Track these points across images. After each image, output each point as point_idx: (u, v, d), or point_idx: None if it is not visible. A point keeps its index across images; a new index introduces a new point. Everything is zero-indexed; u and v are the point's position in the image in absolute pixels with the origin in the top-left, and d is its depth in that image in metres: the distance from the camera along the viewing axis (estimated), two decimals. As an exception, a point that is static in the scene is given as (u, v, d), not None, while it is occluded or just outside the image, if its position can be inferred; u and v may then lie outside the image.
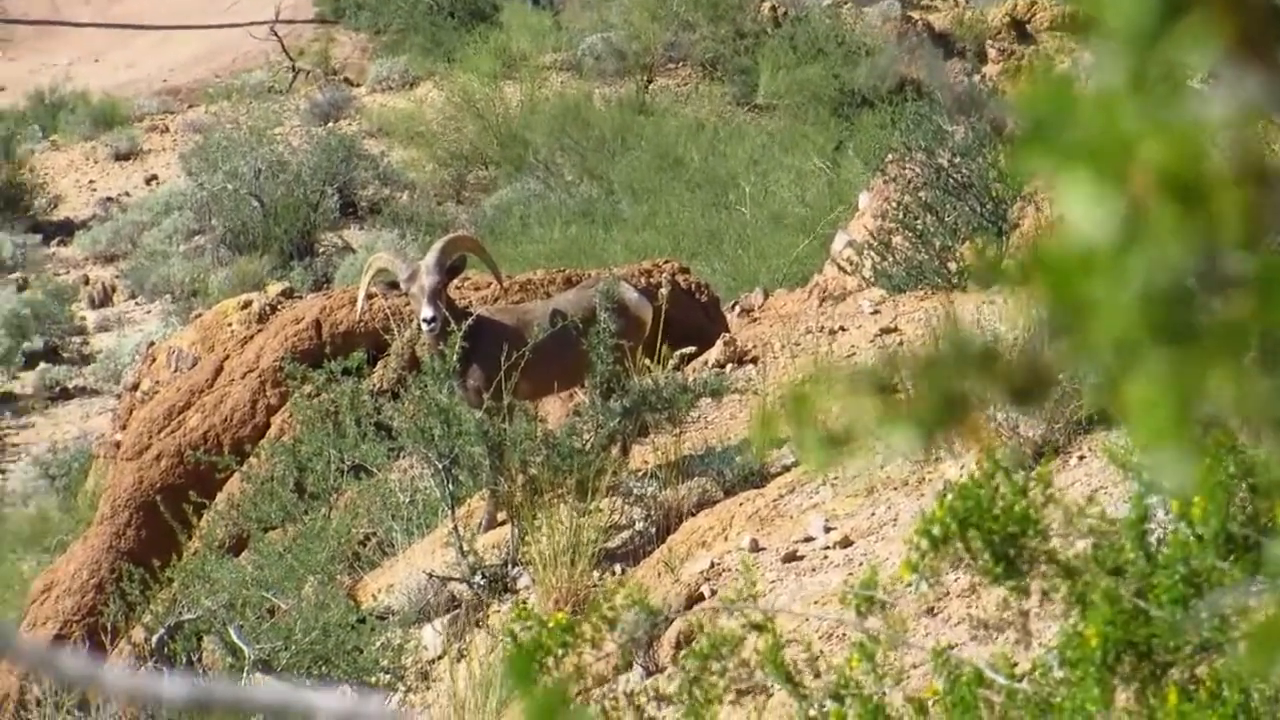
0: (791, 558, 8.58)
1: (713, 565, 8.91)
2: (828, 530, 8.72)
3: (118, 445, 14.95)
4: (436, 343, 10.27)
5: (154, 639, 9.86)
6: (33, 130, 32.83)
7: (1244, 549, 3.68)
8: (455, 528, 9.99)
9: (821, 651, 5.37)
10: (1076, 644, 3.66)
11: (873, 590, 4.09)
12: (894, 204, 13.77)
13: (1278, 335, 1.30)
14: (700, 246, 22.88)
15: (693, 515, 9.75)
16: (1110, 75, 1.30)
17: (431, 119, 30.00)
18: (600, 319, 10.16)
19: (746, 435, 10.48)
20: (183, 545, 11.87)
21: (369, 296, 11.10)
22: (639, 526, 10.02)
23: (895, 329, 12.01)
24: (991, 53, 29.12)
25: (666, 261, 15.20)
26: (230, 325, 15.70)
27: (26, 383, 25.42)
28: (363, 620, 9.54)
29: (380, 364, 13.53)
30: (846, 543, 8.53)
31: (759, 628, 4.19)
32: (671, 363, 10.54)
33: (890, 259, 13.74)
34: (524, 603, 9.46)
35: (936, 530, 3.81)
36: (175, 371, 15.53)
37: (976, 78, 19.80)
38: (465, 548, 9.91)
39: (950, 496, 3.83)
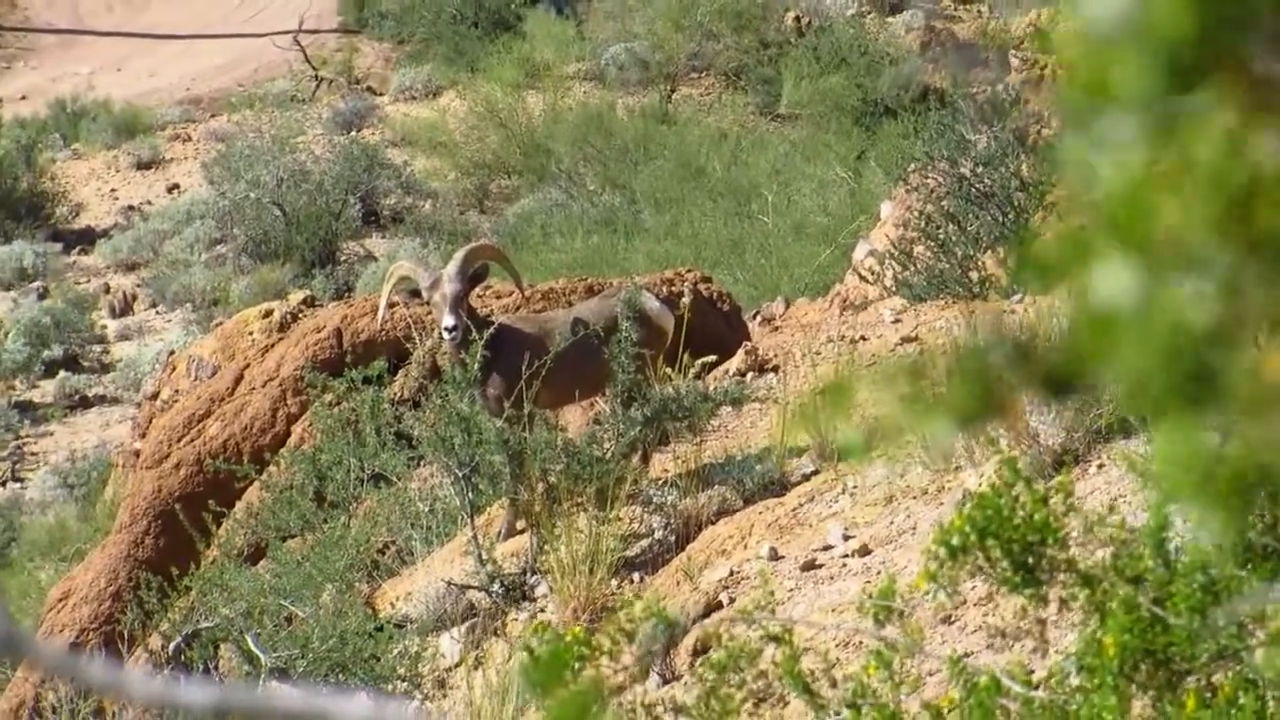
0: (810, 566, 8.57)
1: (732, 573, 8.89)
2: (847, 538, 8.70)
3: (137, 454, 14.96)
4: (458, 351, 10.26)
5: (171, 646, 9.86)
6: (55, 139, 32.93)
7: (1262, 557, 3.65)
8: (474, 536, 9.98)
9: (838, 660, 5.34)
10: (1094, 651, 3.64)
11: (890, 600, 4.07)
12: (916, 213, 13.75)
13: None
14: (722, 256, 22.86)
15: (712, 523, 9.73)
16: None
17: (454, 128, 30.04)
18: (622, 328, 10.15)
19: (767, 443, 10.46)
20: (201, 554, 11.87)
21: (391, 305, 11.09)
22: (658, 535, 10.00)
23: (916, 338, 11.98)
24: (1014, 62, 29.09)
25: (688, 270, 15.18)
26: (251, 334, 15.70)
27: (46, 391, 25.46)
28: (380, 628, 9.53)
29: (401, 372, 13.53)
30: (865, 551, 8.51)
31: (776, 639, 4.18)
32: (692, 371, 10.52)
33: (912, 268, 13.73)
34: (541, 611, 9.46)
35: (955, 540, 3.79)
36: (195, 380, 15.54)
37: (1000, 86, 19.76)
38: (484, 556, 9.90)
39: (969, 507, 3.81)
